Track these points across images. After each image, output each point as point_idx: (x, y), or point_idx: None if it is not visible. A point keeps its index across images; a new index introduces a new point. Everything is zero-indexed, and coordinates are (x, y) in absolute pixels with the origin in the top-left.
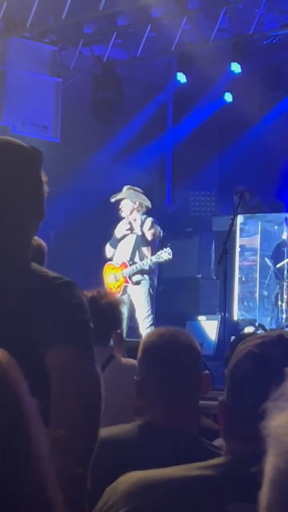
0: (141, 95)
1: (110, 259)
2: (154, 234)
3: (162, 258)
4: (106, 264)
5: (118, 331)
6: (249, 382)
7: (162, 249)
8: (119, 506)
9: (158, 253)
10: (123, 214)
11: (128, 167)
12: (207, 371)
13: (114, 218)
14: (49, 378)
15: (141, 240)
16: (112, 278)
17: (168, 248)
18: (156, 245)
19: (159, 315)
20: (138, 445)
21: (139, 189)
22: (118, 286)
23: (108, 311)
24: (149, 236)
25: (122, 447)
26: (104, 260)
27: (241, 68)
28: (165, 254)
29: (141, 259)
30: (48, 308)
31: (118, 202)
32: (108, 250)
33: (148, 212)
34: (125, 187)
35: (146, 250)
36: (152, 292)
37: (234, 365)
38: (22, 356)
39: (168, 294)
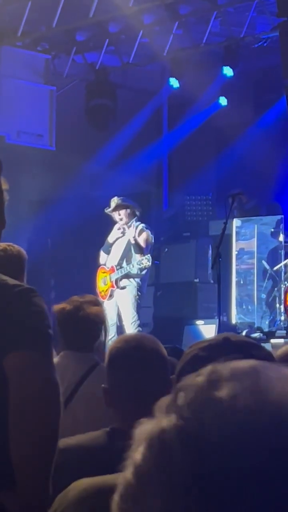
0: (135, 101)
1: (103, 264)
2: (146, 240)
3: (142, 264)
4: (99, 268)
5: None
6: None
7: (144, 256)
8: None
9: (139, 259)
10: (121, 223)
11: (124, 173)
12: (173, 376)
13: (110, 225)
14: (7, 384)
15: (135, 247)
16: (102, 283)
17: (149, 255)
18: (148, 251)
19: (156, 320)
20: (105, 452)
21: (125, 198)
22: (106, 290)
23: (91, 320)
24: (142, 243)
25: (89, 454)
26: None
27: (234, 71)
28: (145, 260)
29: (128, 263)
30: (6, 314)
31: (113, 213)
32: (102, 256)
33: (143, 217)
34: (113, 199)
35: (139, 257)
36: (139, 297)
37: (180, 369)
38: None
39: (165, 299)
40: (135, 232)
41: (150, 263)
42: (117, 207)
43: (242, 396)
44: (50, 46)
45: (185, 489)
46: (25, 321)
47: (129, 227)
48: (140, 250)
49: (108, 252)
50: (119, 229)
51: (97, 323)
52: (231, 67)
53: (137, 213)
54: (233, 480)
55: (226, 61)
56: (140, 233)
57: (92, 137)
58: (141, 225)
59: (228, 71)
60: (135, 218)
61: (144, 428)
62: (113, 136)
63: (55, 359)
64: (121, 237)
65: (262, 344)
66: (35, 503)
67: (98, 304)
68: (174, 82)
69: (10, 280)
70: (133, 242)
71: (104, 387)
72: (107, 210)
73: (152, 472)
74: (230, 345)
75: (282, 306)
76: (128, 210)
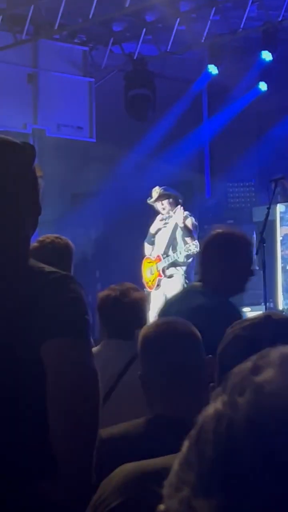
0: (174, 90)
1: (150, 255)
2: (193, 224)
3: (190, 250)
4: (144, 258)
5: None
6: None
7: (191, 242)
8: (114, 498)
9: (187, 245)
10: (164, 212)
11: (166, 163)
12: (210, 356)
13: (153, 215)
14: (44, 372)
15: (184, 230)
16: (148, 272)
17: (196, 241)
18: (196, 235)
19: None
20: (147, 439)
21: (166, 187)
22: (153, 280)
23: (137, 305)
24: (190, 226)
25: (132, 442)
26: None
27: (272, 56)
28: (193, 246)
29: (175, 252)
30: (44, 301)
31: (155, 203)
32: (147, 248)
33: (186, 206)
34: (155, 189)
35: (190, 240)
36: (186, 285)
37: (222, 349)
38: (17, 350)
39: None
40: (185, 219)
41: (198, 249)
42: (160, 197)
43: (278, 380)
44: (87, 38)
45: (211, 481)
46: (62, 308)
47: (171, 216)
48: (189, 232)
49: (151, 243)
50: (161, 220)
51: (143, 308)
52: (270, 52)
53: (180, 201)
54: (258, 469)
55: (265, 45)
56: (185, 219)
57: (132, 127)
58: (186, 212)
59: (266, 55)
60: (178, 207)
61: (200, 415)
62: (153, 126)
63: (96, 348)
64: (163, 227)
65: None
66: (79, 491)
67: (139, 289)
68: (212, 69)
69: (47, 267)
70: (181, 225)
71: (139, 374)
72: (150, 201)
73: (189, 458)
74: (273, 324)
75: None
76: (171, 200)
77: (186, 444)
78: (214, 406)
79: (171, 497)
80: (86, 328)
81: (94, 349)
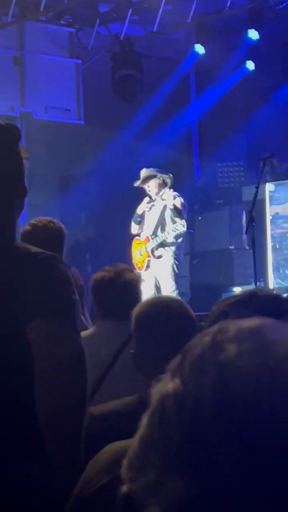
0: (161, 70)
1: (137, 235)
2: (182, 204)
3: (178, 230)
4: (134, 240)
5: None
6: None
7: (179, 222)
8: (102, 476)
9: (174, 225)
10: (151, 194)
11: (154, 143)
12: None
13: (143, 196)
14: (31, 352)
15: (173, 211)
16: (138, 253)
17: (183, 221)
18: (185, 215)
19: (194, 289)
20: (138, 417)
21: (154, 169)
22: (143, 261)
23: (132, 285)
24: (179, 206)
25: (122, 420)
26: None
27: (259, 34)
28: (180, 226)
29: (163, 232)
30: (31, 281)
31: (142, 185)
32: (133, 226)
33: (175, 187)
34: (142, 170)
35: (179, 220)
36: (176, 266)
37: (207, 326)
38: (4, 329)
39: (201, 267)
40: (174, 199)
41: (186, 229)
42: (145, 179)
43: (242, 358)
44: (73, 19)
45: (179, 464)
46: (48, 288)
47: (161, 196)
48: (179, 213)
49: (138, 222)
50: (148, 202)
51: (137, 289)
52: (256, 30)
53: (168, 181)
54: (227, 450)
55: (251, 24)
56: (173, 200)
57: (120, 108)
58: (175, 193)
59: (253, 34)
60: (166, 187)
61: (153, 392)
62: (141, 107)
63: (92, 329)
64: (149, 209)
65: None
66: (67, 469)
67: (132, 270)
68: (199, 49)
69: (34, 248)
70: (171, 207)
71: (132, 352)
72: (136, 184)
73: (152, 439)
74: (258, 301)
75: None
76: (158, 180)
77: (146, 423)
78: (173, 385)
79: (134, 480)
80: (72, 307)
81: (89, 330)
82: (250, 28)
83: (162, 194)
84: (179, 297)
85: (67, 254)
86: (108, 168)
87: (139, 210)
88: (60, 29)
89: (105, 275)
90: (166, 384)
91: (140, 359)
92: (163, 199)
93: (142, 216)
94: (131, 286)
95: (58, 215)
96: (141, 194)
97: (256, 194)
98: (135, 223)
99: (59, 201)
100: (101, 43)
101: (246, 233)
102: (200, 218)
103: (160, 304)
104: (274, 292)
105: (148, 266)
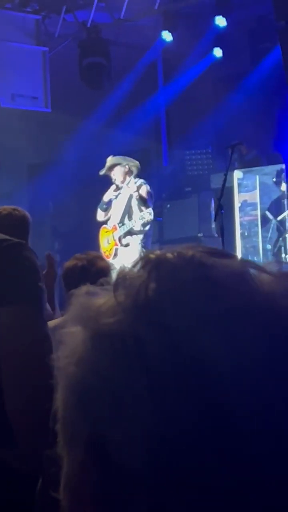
0: (129, 57)
1: (103, 222)
2: (148, 192)
3: (144, 218)
4: (101, 228)
5: None
6: None
7: (146, 210)
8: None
9: (141, 213)
10: (117, 182)
11: (122, 131)
12: None
13: (111, 183)
14: None
15: (138, 200)
16: (105, 242)
17: (150, 209)
18: (151, 203)
19: None
20: None
21: (121, 156)
22: (110, 249)
23: (104, 273)
24: (144, 194)
25: None
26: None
27: (227, 21)
28: (147, 214)
29: (130, 220)
30: None
31: (108, 173)
32: (99, 213)
33: (144, 174)
34: (109, 158)
35: (144, 209)
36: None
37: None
38: None
39: None
40: (139, 188)
41: (152, 217)
42: (111, 167)
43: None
44: (40, 6)
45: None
46: (14, 275)
47: (127, 184)
48: (144, 202)
49: (104, 210)
50: (115, 190)
51: (108, 276)
52: (224, 17)
53: (133, 169)
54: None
55: (219, 11)
56: (139, 187)
57: (87, 96)
58: (140, 181)
59: (220, 21)
60: (133, 175)
61: (84, 312)
62: (109, 94)
63: (61, 318)
64: (115, 197)
65: None
66: (34, 457)
67: (104, 258)
68: (167, 36)
69: (0, 235)
70: (136, 196)
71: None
72: (102, 172)
73: (107, 370)
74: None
75: None
76: (123, 168)
77: (83, 345)
78: (119, 321)
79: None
80: (39, 295)
81: (60, 318)
82: (218, 15)
83: (128, 182)
84: None
85: (35, 243)
86: (76, 156)
87: (106, 197)
88: (27, 17)
89: (76, 263)
90: (104, 317)
91: None
92: (128, 187)
93: (108, 204)
94: (103, 274)
95: (26, 203)
96: (109, 182)
97: (224, 181)
98: (101, 210)
99: (27, 190)
100: (68, 31)
101: (215, 221)
102: (168, 206)
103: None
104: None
105: (115, 254)
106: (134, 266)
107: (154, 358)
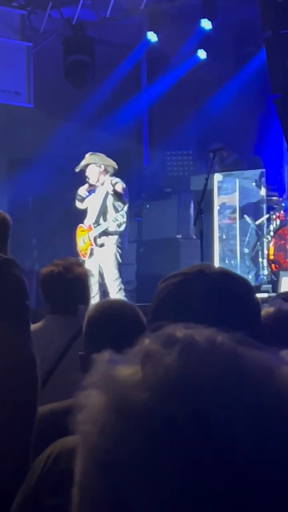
0: (113, 56)
1: (83, 214)
2: (123, 188)
3: (118, 220)
4: (78, 227)
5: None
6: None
7: (119, 212)
8: (45, 474)
9: (115, 215)
10: (91, 181)
11: (104, 130)
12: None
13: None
14: None
15: (114, 196)
16: (81, 241)
17: (123, 211)
18: (127, 199)
19: (140, 278)
20: None
21: (101, 154)
22: (86, 249)
23: (80, 280)
24: (119, 190)
25: (63, 421)
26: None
27: (212, 24)
28: (120, 217)
29: (106, 220)
30: None
31: (83, 170)
32: (77, 203)
33: (124, 174)
34: (87, 154)
35: (121, 204)
36: (120, 255)
37: (155, 307)
38: None
39: (148, 255)
40: (114, 186)
41: (125, 219)
42: (85, 166)
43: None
44: (26, 2)
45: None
46: (2, 293)
47: (102, 183)
48: (119, 197)
49: (80, 200)
50: (87, 189)
51: (86, 284)
52: (209, 20)
53: (109, 169)
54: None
55: (204, 13)
56: (115, 184)
57: (70, 93)
58: (116, 179)
59: (206, 24)
60: (108, 174)
61: (111, 385)
62: (92, 92)
63: (40, 323)
64: (87, 196)
65: None
66: (13, 472)
67: (82, 265)
68: (152, 36)
69: None
70: (111, 192)
71: (81, 354)
72: (77, 169)
73: (125, 443)
74: (206, 279)
75: (265, 260)
76: (98, 168)
77: (105, 416)
78: (144, 397)
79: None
80: (25, 313)
81: (38, 324)
82: (203, 18)
83: (103, 182)
84: (123, 286)
85: (14, 239)
86: (57, 154)
87: (80, 191)
88: (12, 11)
89: (53, 269)
90: (131, 391)
91: (88, 361)
92: (103, 186)
93: (83, 197)
94: (80, 281)
95: (6, 199)
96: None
97: (205, 186)
98: (78, 201)
99: (7, 186)
100: (53, 27)
101: (194, 225)
102: (148, 206)
103: (112, 308)
104: (222, 268)
105: (91, 254)
106: (159, 340)
107: (184, 440)
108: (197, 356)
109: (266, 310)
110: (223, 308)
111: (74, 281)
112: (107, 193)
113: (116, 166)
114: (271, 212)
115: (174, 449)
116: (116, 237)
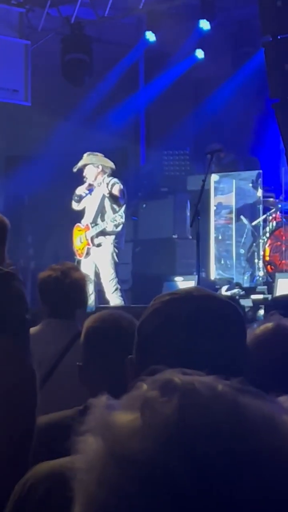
0: (111, 55)
1: (79, 214)
2: (120, 190)
3: (116, 221)
4: (75, 226)
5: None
6: (154, 339)
7: (117, 213)
8: (21, 502)
9: (113, 216)
10: (88, 181)
11: (101, 129)
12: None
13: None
14: None
15: (110, 199)
16: (78, 240)
17: (122, 211)
18: (123, 201)
19: (135, 277)
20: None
21: (99, 154)
22: (83, 248)
23: (78, 284)
24: (116, 192)
25: (61, 433)
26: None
27: (210, 24)
28: (118, 217)
29: (103, 220)
30: None
31: (82, 170)
32: (73, 204)
33: (121, 173)
34: (85, 154)
35: (116, 207)
36: (116, 254)
37: (142, 322)
38: None
39: (144, 255)
40: (108, 186)
41: (123, 219)
42: (83, 166)
43: (219, 441)
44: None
45: None
46: (3, 307)
47: (99, 184)
48: (116, 200)
49: (77, 201)
50: (86, 188)
51: (83, 288)
52: (208, 20)
53: (107, 170)
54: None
55: (203, 14)
56: (112, 186)
57: (68, 91)
58: (113, 179)
59: (204, 24)
60: (106, 175)
61: (106, 429)
62: (89, 91)
63: (38, 327)
64: (85, 195)
65: (242, 300)
66: (13, 487)
67: (79, 270)
68: (150, 36)
69: None
70: (107, 195)
71: (79, 365)
72: (74, 169)
73: (118, 486)
74: (192, 300)
75: (261, 261)
76: (96, 169)
77: (100, 460)
78: (142, 444)
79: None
80: (25, 327)
81: (35, 328)
82: (202, 18)
83: (100, 183)
84: (119, 286)
85: (9, 236)
86: (54, 151)
87: (78, 191)
88: (11, 9)
89: (51, 274)
90: (126, 436)
91: (86, 372)
92: (100, 187)
93: (80, 197)
94: (78, 286)
95: (2, 196)
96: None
97: (202, 187)
98: (75, 201)
99: (4, 182)
100: (51, 25)
101: (191, 226)
102: (144, 205)
103: (110, 319)
104: (216, 286)
105: (88, 253)
106: (156, 385)
107: (185, 491)
108: (197, 406)
109: (265, 325)
110: (206, 328)
111: (72, 286)
112: (104, 195)
113: (113, 167)
114: (268, 213)
115: (173, 502)
116: (113, 237)
